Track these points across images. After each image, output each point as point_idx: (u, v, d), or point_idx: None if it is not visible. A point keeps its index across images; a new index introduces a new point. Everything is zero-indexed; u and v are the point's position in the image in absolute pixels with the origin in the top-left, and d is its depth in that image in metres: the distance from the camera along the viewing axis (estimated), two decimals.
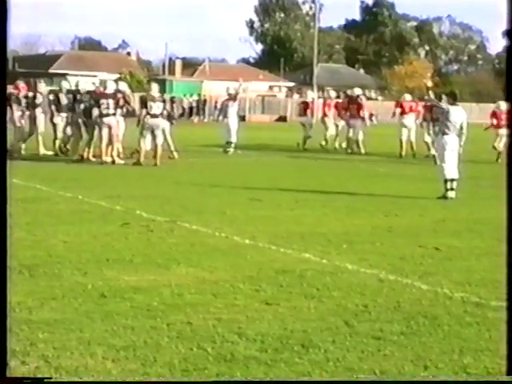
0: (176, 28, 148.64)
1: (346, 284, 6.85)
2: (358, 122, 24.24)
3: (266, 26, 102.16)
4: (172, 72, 69.80)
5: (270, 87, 78.14)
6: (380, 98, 79.34)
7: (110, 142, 18.06)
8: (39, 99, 19.97)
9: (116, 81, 24.27)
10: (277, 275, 7.10)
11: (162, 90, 21.43)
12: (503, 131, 22.01)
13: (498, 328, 5.40)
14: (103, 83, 20.84)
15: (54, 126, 19.85)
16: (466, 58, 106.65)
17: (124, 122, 18.72)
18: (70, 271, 7.05)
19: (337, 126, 25.68)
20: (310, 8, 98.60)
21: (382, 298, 6.42)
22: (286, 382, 4.65)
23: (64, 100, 19.44)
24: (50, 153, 19.90)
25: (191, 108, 54.52)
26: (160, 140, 18.11)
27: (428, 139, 22.11)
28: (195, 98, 55.66)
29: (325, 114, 26.12)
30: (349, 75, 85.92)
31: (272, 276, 7.08)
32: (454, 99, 13.54)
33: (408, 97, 24.58)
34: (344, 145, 24.98)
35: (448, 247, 8.68)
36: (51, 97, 20.00)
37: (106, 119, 17.95)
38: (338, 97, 27.41)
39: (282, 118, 57.29)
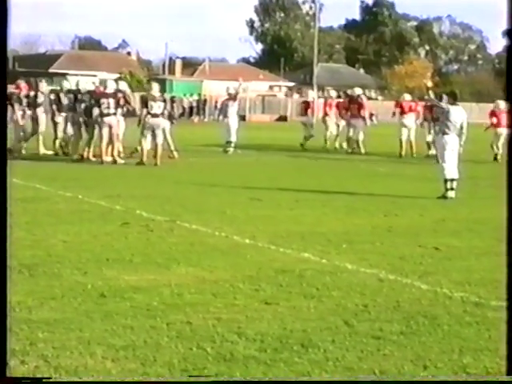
0: (176, 28, 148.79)
1: (346, 284, 6.85)
2: (360, 121, 24.23)
3: (266, 25, 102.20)
4: (172, 72, 69.82)
5: (270, 87, 78.14)
6: (380, 97, 79.33)
7: (111, 141, 18.06)
8: (41, 98, 19.99)
9: (116, 80, 24.23)
10: (276, 275, 7.10)
11: (162, 90, 21.42)
12: (502, 130, 22.05)
13: (497, 328, 5.40)
14: (103, 83, 20.85)
15: (55, 125, 19.86)
16: (466, 57, 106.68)
17: (124, 122, 18.71)
18: (70, 271, 7.05)
19: (338, 125, 25.68)
20: (310, 8, 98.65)
21: (381, 297, 6.42)
22: (286, 381, 4.65)
23: (65, 100, 19.45)
24: (50, 152, 19.90)
25: (191, 108, 54.52)
26: (160, 140, 18.10)
27: (429, 139, 22.13)
28: (195, 97, 55.65)
29: (326, 114, 26.10)
30: (349, 75, 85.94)
31: (272, 276, 7.08)
32: (454, 99, 13.55)
33: (407, 97, 24.58)
34: (344, 145, 24.99)
35: (448, 247, 8.68)
36: (52, 96, 20.01)
37: (106, 119, 17.95)
38: (338, 96, 27.40)
39: (282, 118, 57.29)
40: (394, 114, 24.28)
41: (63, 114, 19.54)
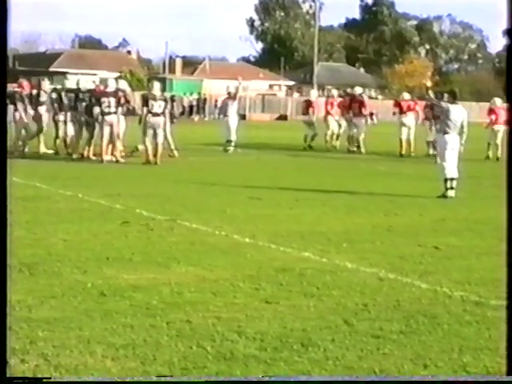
0: (176, 27, 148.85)
1: (346, 283, 6.85)
2: (362, 120, 24.23)
3: (267, 24, 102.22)
4: (172, 71, 69.85)
5: (271, 86, 78.19)
6: (380, 96, 79.28)
7: (111, 140, 18.06)
8: (43, 97, 19.96)
9: (116, 79, 24.20)
10: (276, 274, 7.10)
11: (163, 89, 21.43)
12: (499, 127, 22.08)
13: (497, 327, 5.40)
14: (104, 82, 20.84)
15: (57, 124, 19.85)
16: (466, 56, 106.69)
17: (125, 121, 18.70)
18: (70, 269, 7.05)
19: (340, 124, 25.65)
20: (310, 7, 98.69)
21: (381, 296, 6.42)
22: (286, 380, 4.65)
23: (66, 98, 19.44)
24: (51, 151, 19.88)
25: (191, 107, 54.53)
26: (161, 139, 18.08)
27: (431, 138, 22.13)
28: (195, 96, 55.67)
29: (328, 113, 26.04)
30: (349, 74, 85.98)
31: (272, 275, 7.08)
32: (454, 98, 13.55)
33: (407, 95, 24.56)
34: (346, 144, 24.96)
35: (448, 246, 8.68)
36: (54, 95, 19.99)
37: (107, 117, 17.95)
38: (339, 95, 27.37)
39: (283, 117, 57.29)
40: (394, 113, 24.28)
41: (63, 113, 19.53)
